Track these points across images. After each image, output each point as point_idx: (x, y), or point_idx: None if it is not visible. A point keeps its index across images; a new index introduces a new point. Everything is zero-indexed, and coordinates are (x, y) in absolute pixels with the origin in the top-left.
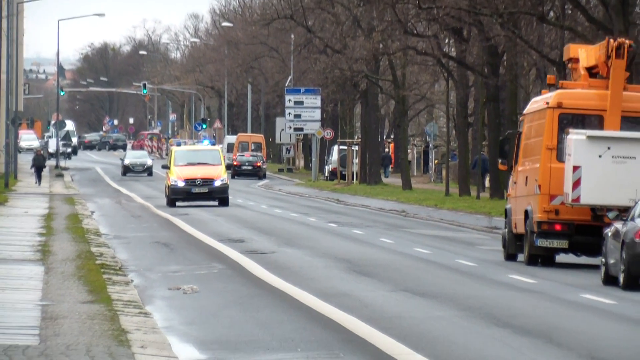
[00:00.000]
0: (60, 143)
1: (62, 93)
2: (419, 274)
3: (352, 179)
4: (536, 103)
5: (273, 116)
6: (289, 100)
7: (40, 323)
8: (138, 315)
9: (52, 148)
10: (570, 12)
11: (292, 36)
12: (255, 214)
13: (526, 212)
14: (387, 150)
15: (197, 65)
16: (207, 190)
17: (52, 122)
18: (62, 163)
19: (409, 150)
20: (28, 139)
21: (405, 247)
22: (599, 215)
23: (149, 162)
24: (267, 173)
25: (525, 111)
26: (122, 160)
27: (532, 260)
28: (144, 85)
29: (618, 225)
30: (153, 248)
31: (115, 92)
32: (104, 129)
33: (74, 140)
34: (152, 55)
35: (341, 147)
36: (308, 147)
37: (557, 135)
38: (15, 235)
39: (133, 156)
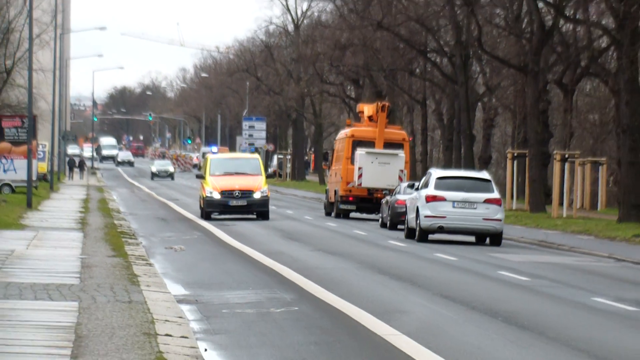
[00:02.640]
0: (93, 152)
1: (95, 119)
2: (329, 240)
3: (286, 177)
4: (341, 133)
5: (235, 135)
6: (245, 125)
7: (80, 269)
8: (144, 265)
9: (121, 157)
10: (430, 69)
11: (247, 83)
12: None
13: (335, 191)
14: (306, 158)
15: (184, 101)
16: (245, 203)
17: (101, 138)
18: (96, 165)
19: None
20: (72, 148)
21: (320, 222)
22: (371, 193)
23: (171, 169)
24: None
25: (337, 137)
26: (151, 167)
27: (337, 215)
28: (150, 114)
29: (388, 197)
30: (154, 221)
31: (131, 119)
32: (123, 143)
33: (116, 152)
34: (155, 94)
35: (279, 156)
36: (260, 155)
37: (351, 151)
38: (64, 212)
39: (159, 164)
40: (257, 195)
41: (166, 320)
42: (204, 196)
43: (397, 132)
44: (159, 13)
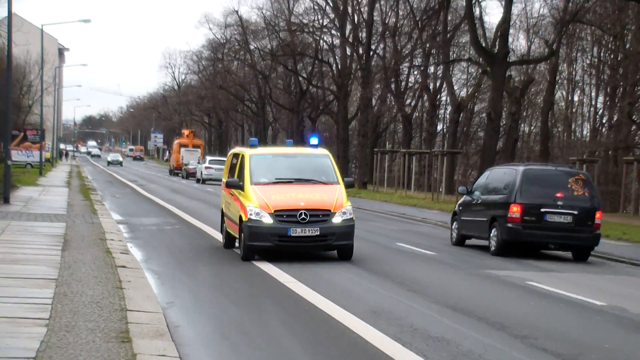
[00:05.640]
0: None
1: (75, 132)
2: (187, 190)
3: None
4: (176, 140)
5: (147, 140)
6: (152, 135)
7: (67, 207)
8: (100, 205)
9: (93, 153)
10: (246, 109)
11: (154, 114)
12: (140, 171)
13: (173, 166)
14: None
15: (122, 123)
16: (317, 233)
17: (89, 142)
18: (76, 154)
19: None
20: (67, 145)
21: (181, 182)
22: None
23: (121, 159)
24: (145, 159)
25: (173, 143)
26: (107, 157)
27: (174, 175)
28: (104, 130)
29: (185, 166)
30: (106, 183)
31: (94, 132)
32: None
33: (96, 150)
34: (107, 120)
35: (169, 151)
36: (159, 151)
37: (178, 148)
38: (58, 178)
39: (112, 156)
40: (336, 220)
41: (111, 232)
42: (245, 219)
43: (198, 142)
44: (108, 76)
